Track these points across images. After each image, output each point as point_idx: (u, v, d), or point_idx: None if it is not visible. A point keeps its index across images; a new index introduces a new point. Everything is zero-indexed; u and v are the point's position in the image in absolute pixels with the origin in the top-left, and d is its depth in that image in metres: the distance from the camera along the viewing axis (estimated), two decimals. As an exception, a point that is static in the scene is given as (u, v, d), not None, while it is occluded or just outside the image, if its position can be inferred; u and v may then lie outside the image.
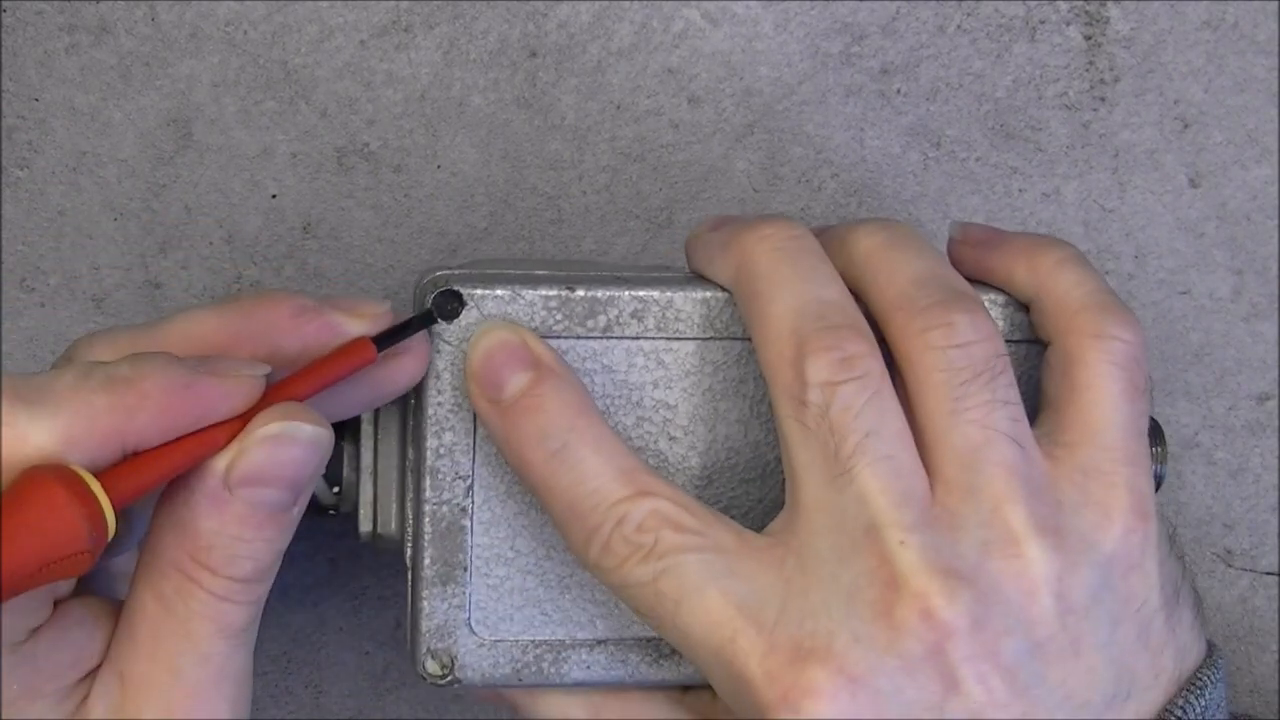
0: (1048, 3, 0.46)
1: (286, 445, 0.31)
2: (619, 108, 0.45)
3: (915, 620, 0.31)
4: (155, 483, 0.31)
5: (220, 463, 0.31)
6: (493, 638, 0.36)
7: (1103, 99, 0.47)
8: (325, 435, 0.32)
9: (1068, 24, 0.46)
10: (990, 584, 0.32)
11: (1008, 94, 0.46)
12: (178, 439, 0.31)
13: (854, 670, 0.31)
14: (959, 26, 0.46)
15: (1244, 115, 0.47)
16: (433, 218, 0.45)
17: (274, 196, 0.44)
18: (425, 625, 0.36)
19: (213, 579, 0.31)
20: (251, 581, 0.32)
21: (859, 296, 0.35)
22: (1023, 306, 0.37)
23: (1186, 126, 0.47)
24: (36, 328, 0.44)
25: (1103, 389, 0.34)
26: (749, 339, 0.36)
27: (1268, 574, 0.48)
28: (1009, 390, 0.33)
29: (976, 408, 0.33)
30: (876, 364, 0.33)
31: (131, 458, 0.30)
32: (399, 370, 0.35)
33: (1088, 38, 0.46)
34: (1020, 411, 0.34)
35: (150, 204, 0.44)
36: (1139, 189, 0.47)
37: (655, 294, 0.36)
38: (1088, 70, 0.46)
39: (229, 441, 0.31)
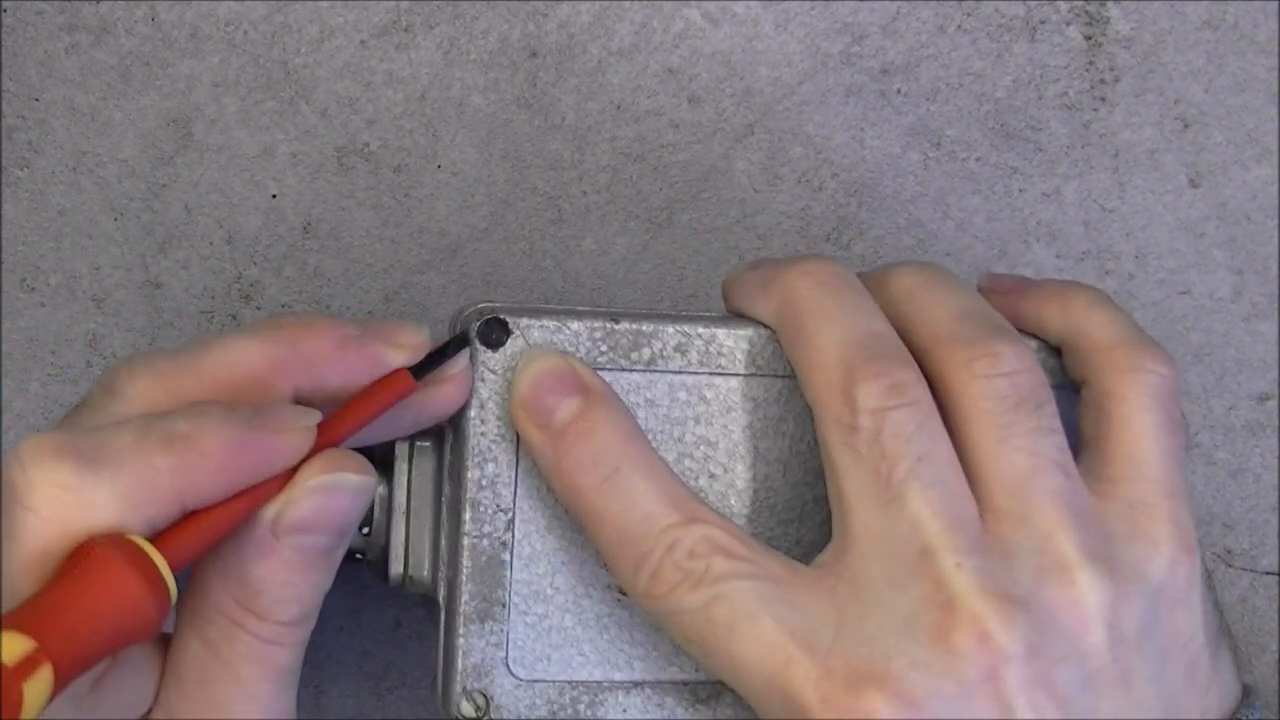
0: (1048, 3, 0.46)
1: (334, 495, 0.32)
2: (619, 108, 0.45)
3: (972, 645, 0.31)
4: (212, 543, 0.31)
5: (269, 512, 0.31)
6: (530, 678, 0.36)
7: (1103, 99, 0.47)
8: (371, 483, 0.32)
9: (1068, 24, 0.46)
10: (1045, 611, 0.32)
11: (1008, 94, 0.46)
12: (233, 497, 0.31)
13: (912, 694, 0.31)
14: (959, 26, 0.46)
15: (1244, 115, 0.47)
16: (433, 218, 0.45)
17: (274, 196, 0.44)
18: (462, 664, 0.35)
19: (259, 624, 0.32)
20: (297, 624, 0.32)
21: (899, 334, 0.35)
22: (1054, 351, 0.37)
23: (1186, 126, 0.47)
24: (36, 328, 0.44)
25: (1141, 422, 0.34)
26: (790, 377, 0.36)
27: (1268, 574, 0.48)
28: (1054, 419, 0.34)
29: (1024, 435, 0.33)
30: (924, 392, 0.33)
31: (189, 519, 0.30)
32: (440, 397, 0.35)
33: (1088, 38, 0.46)
34: (1064, 441, 0.34)
35: (150, 204, 0.44)
36: (1139, 189, 0.47)
37: (699, 329, 0.36)
38: (1088, 70, 0.46)
39: (278, 490, 0.31)
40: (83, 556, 0.28)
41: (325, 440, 0.32)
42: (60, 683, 0.28)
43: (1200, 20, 0.47)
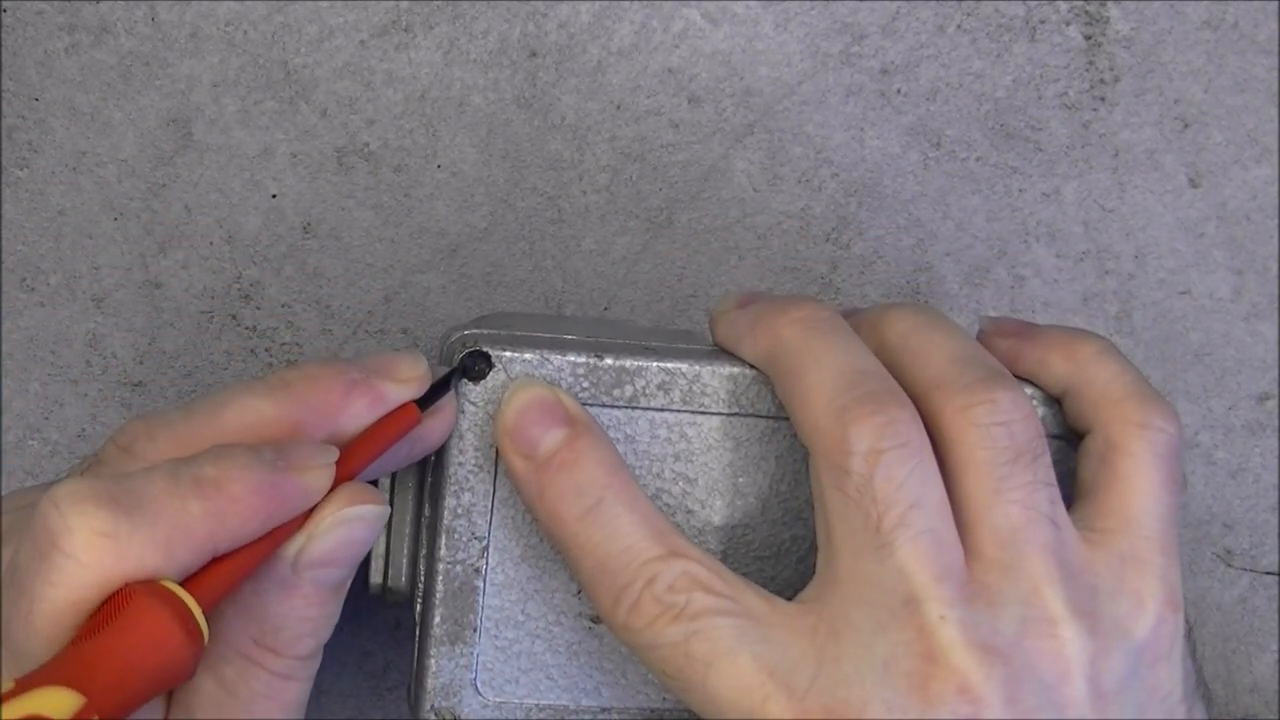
0: (1048, 3, 0.46)
1: (354, 527, 0.32)
2: (619, 108, 0.45)
3: (951, 695, 0.31)
4: (239, 583, 0.31)
5: (290, 549, 0.32)
6: (497, 699, 0.36)
7: (1103, 99, 0.47)
8: (386, 512, 0.33)
9: (1068, 24, 0.46)
10: (1025, 662, 0.32)
11: (1008, 94, 0.46)
12: (260, 538, 0.31)
13: None
14: (959, 26, 0.46)
15: (1244, 115, 0.47)
16: (433, 218, 0.45)
17: (274, 196, 0.44)
18: (431, 683, 0.36)
19: (277, 660, 0.32)
20: (311, 657, 0.32)
21: (894, 378, 0.35)
22: (1049, 401, 0.37)
23: (1186, 126, 0.47)
24: (36, 328, 0.44)
25: (1145, 478, 0.34)
26: (773, 417, 0.36)
27: (1268, 574, 0.48)
28: (1048, 472, 0.34)
29: (1019, 488, 0.33)
30: (918, 431, 0.33)
31: (218, 561, 0.30)
32: (431, 430, 0.35)
33: (1088, 38, 0.46)
34: (1058, 494, 0.34)
35: (150, 204, 0.44)
36: (1139, 189, 0.47)
37: (684, 367, 0.36)
38: (1088, 70, 0.46)
39: (299, 527, 0.32)
40: (122, 604, 0.28)
41: (339, 476, 0.32)
42: None
43: (1200, 20, 0.47)
